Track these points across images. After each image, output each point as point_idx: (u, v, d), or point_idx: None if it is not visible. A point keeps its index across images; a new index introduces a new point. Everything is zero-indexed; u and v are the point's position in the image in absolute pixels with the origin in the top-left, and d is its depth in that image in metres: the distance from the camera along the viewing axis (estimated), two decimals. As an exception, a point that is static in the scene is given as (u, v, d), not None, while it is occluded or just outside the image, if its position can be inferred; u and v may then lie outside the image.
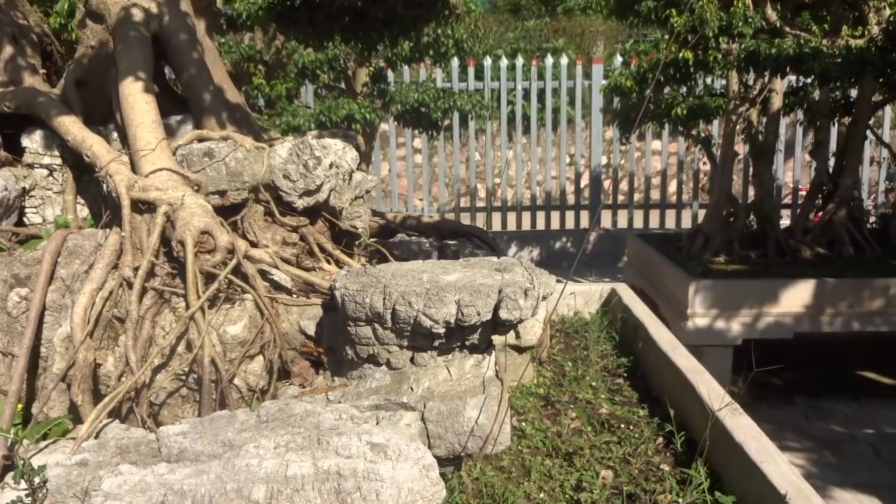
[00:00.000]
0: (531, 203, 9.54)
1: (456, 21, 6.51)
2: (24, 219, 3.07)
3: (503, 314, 2.25)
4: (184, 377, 2.50)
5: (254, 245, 2.94)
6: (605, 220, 9.66)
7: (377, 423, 2.26)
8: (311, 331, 2.60)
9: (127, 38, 3.03)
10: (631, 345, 4.49)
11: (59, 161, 3.07)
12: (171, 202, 2.55)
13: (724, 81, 7.02)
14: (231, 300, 2.55)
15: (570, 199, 9.83)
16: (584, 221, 9.64)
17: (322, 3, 4.81)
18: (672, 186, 9.88)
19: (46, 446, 2.39)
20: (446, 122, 9.30)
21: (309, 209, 3.02)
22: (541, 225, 9.59)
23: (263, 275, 2.68)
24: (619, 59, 8.95)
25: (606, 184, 9.78)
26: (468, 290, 2.26)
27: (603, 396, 3.92)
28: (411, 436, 2.23)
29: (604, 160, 9.78)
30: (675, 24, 6.13)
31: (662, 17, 6.55)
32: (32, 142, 3.08)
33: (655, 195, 9.62)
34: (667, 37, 6.65)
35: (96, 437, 2.27)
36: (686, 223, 9.38)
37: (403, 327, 2.29)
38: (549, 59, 9.21)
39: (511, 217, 9.74)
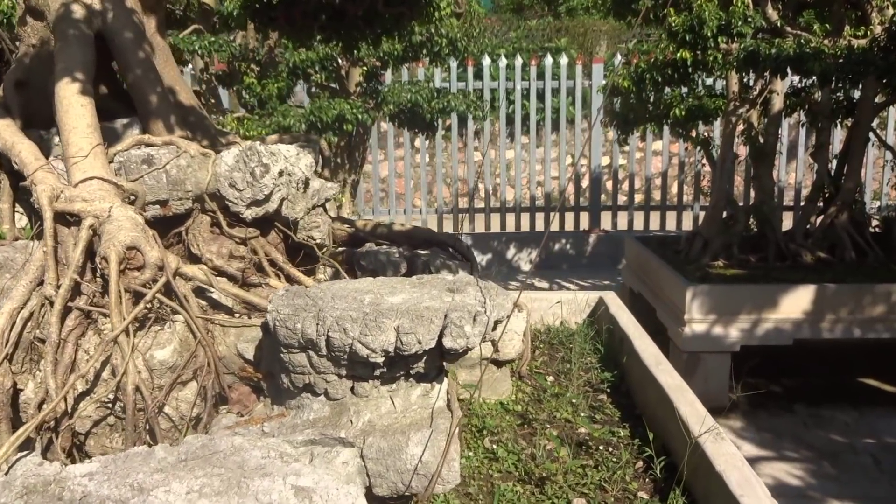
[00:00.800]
0: (531, 204, 9.33)
1: (440, 21, 6.32)
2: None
3: (447, 342, 2.05)
4: (110, 405, 2.32)
5: (197, 259, 2.75)
6: (606, 221, 9.44)
7: (311, 461, 2.06)
8: (250, 354, 2.41)
9: (66, 37, 2.84)
10: (617, 358, 4.28)
11: (-7, 168, 2.89)
12: (98, 214, 2.36)
13: (723, 82, 6.80)
14: (162, 321, 2.36)
15: (570, 200, 9.60)
16: (584, 223, 9.43)
17: (298, 1, 4.62)
18: (673, 188, 9.64)
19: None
20: (448, 123, 9.12)
21: (259, 220, 2.82)
22: (540, 226, 9.38)
23: (202, 293, 2.49)
24: (619, 58, 8.72)
25: (607, 184, 9.56)
26: (410, 314, 2.06)
27: (583, 415, 3.71)
28: (348, 475, 2.04)
29: (605, 160, 9.56)
30: (674, 24, 5.91)
31: (660, 16, 6.35)
32: (-31, 146, 2.90)
33: (657, 196, 9.40)
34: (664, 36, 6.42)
35: (6, 473, 2.08)
36: (687, 225, 9.15)
37: (339, 355, 2.09)
38: (549, 59, 8.99)
39: (510, 218, 9.54)
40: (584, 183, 9.38)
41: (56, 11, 2.89)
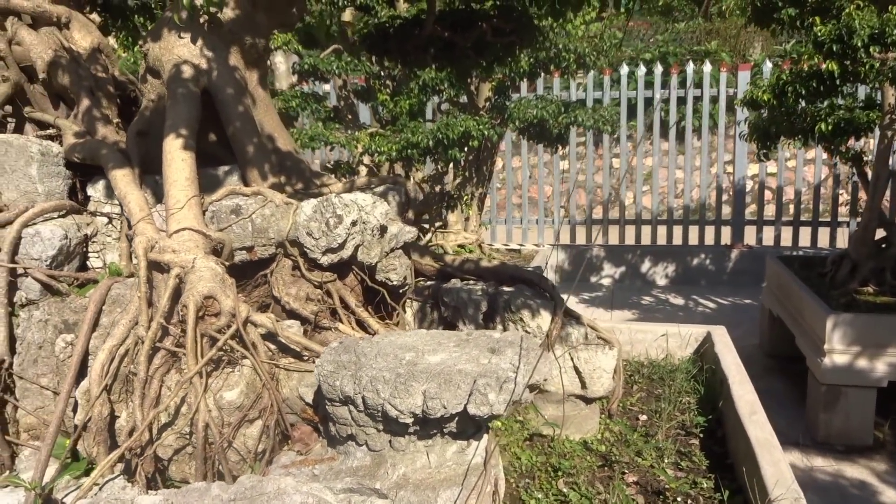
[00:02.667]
0: (667, 216, 9.07)
1: (564, 38, 6.29)
2: (87, 263, 3.30)
3: (471, 409, 2.13)
4: (188, 436, 2.59)
5: (276, 301, 2.99)
6: (750, 236, 8.99)
7: (346, 509, 2.22)
8: (310, 398, 2.60)
9: (175, 95, 3.17)
10: (716, 400, 4.14)
11: (118, 209, 3.27)
12: (183, 265, 2.64)
13: (871, 93, 6.29)
14: (233, 364, 2.60)
15: (711, 213, 9.22)
16: (726, 237, 9.04)
17: (410, 34, 4.81)
18: (826, 202, 9.01)
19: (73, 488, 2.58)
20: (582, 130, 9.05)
21: (336, 264, 3.02)
22: (678, 239, 9.10)
23: (273, 337, 2.71)
24: (768, 64, 8.26)
25: (752, 196, 9.09)
26: (440, 378, 2.16)
27: (667, 461, 3.65)
28: (378, 525, 2.17)
29: (752, 169, 9.11)
30: (819, 33, 5.55)
31: (805, 25, 5.98)
32: (96, 191, 3.31)
33: (810, 210, 8.83)
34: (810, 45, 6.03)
35: (95, 494, 2.40)
36: (842, 243, 8.52)
37: (374, 413, 2.23)
38: (691, 67, 8.67)
39: (645, 230, 9.32)
40: (727, 194, 8.98)
41: (169, 71, 3.22)
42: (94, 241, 3.30)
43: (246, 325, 2.61)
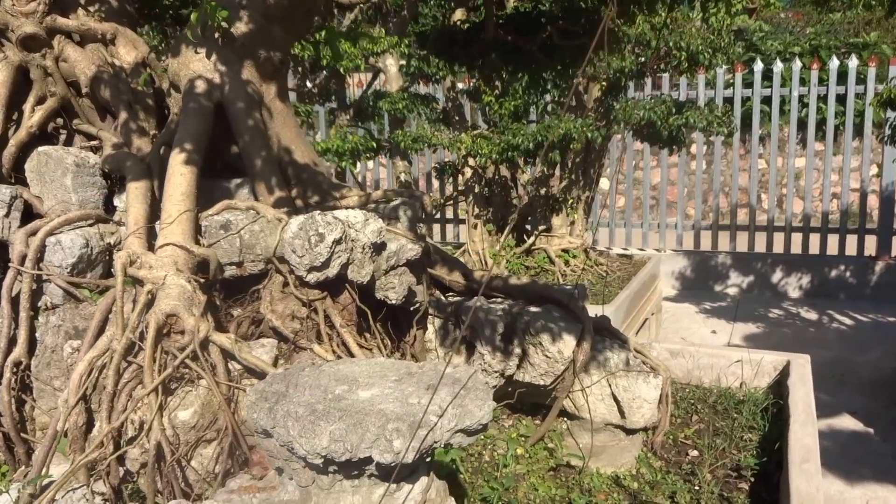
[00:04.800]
0: (803, 223, 8.27)
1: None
2: (112, 271, 3.44)
3: (375, 455, 1.98)
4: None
5: (259, 321, 2.96)
6: (900, 247, 8.03)
7: (263, 545, 2.14)
8: (265, 422, 2.55)
9: (186, 109, 3.22)
10: (779, 439, 3.68)
11: (141, 220, 3.38)
12: (155, 281, 2.67)
13: None
14: (193, 383, 2.60)
15: (853, 221, 8.30)
16: (870, 247, 8.12)
17: (475, 39, 4.65)
18: None
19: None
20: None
21: (327, 282, 2.95)
22: (814, 248, 8.29)
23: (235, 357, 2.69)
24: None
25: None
26: (352, 419, 2.03)
27: (703, 508, 3.28)
28: (289, 566, 2.08)
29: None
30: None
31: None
32: (121, 201, 3.45)
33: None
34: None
35: (59, 500, 2.49)
36: None
37: (289, 449, 2.13)
38: (834, 62, 7.83)
39: (778, 237, 8.57)
40: (872, 201, 8.05)
41: (184, 86, 3.28)
42: (118, 250, 3.43)
43: (207, 344, 2.60)
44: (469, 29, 4.82)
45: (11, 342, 3.20)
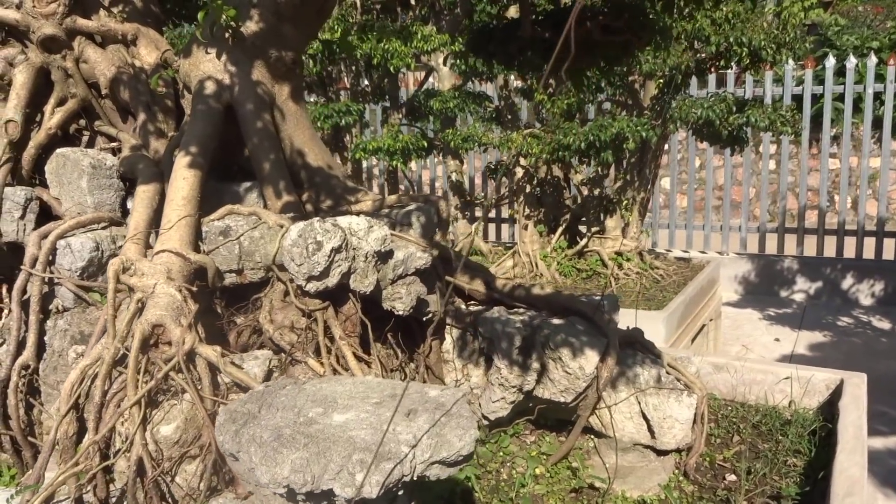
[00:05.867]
0: (877, 227, 7.76)
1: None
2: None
3: (336, 488, 1.84)
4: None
5: (260, 330, 2.86)
6: None
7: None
8: (249, 440, 2.43)
9: (195, 112, 3.14)
10: (827, 465, 3.37)
11: (153, 223, 3.33)
12: (144, 290, 2.59)
13: None
14: (177, 396, 2.51)
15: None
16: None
17: (511, 36, 4.45)
18: None
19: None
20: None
21: (330, 291, 2.82)
22: (888, 254, 7.77)
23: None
24: None
25: None
26: (317, 447, 1.89)
27: (732, 543, 3.02)
28: None
29: None
30: None
31: None
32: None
33: None
34: None
35: (42, 513, 2.45)
36: None
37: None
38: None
39: (850, 242, 8.06)
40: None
41: (194, 87, 3.21)
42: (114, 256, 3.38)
43: (193, 356, 2.51)
44: (506, 26, 4.62)
45: (21, 345, 3.19)
